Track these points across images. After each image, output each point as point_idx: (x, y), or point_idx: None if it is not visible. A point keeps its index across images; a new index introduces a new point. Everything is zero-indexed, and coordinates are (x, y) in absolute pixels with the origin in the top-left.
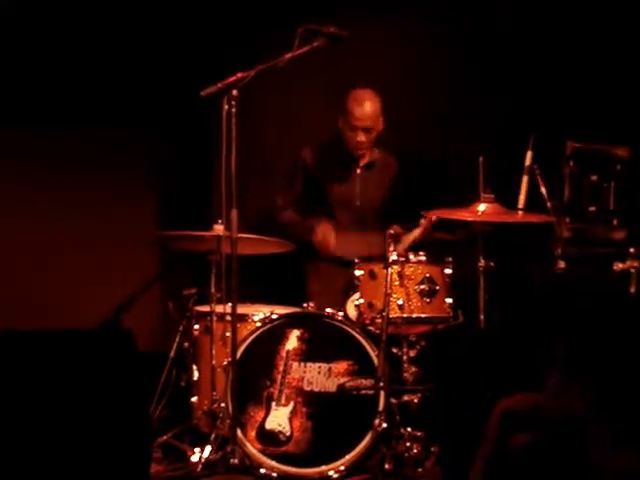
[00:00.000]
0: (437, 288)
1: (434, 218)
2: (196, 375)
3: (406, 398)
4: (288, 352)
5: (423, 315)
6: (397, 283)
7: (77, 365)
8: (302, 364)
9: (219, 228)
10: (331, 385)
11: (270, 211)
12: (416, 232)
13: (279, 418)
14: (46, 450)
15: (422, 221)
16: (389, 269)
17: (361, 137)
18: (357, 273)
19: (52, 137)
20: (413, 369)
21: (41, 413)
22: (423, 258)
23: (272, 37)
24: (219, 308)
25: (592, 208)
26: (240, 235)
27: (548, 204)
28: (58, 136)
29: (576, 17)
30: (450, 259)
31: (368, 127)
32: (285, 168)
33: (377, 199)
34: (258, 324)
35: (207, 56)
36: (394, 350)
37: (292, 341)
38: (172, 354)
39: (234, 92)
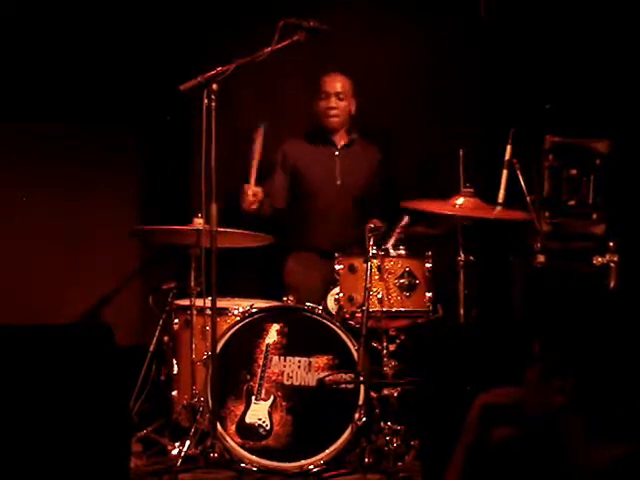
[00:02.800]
0: (417, 282)
1: (406, 220)
2: (176, 369)
3: (386, 392)
4: (268, 346)
5: (403, 309)
6: (377, 277)
7: (56, 359)
8: (282, 358)
9: (199, 222)
10: (311, 379)
11: None
12: (395, 236)
13: (259, 412)
14: (25, 444)
15: (398, 226)
16: (369, 263)
17: (332, 102)
18: (337, 267)
19: (31, 134)
20: (393, 363)
21: (20, 408)
22: (403, 252)
23: (253, 30)
24: (199, 302)
25: (571, 202)
26: (219, 229)
27: (527, 198)
28: (37, 133)
29: (556, 11)
30: (430, 253)
31: (339, 92)
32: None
33: (358, 179)
34: (238, 318)
35: (185, 50)
36: (374, 344)
37: (272, 335)
38: (152, 348)
39: (214, 86)
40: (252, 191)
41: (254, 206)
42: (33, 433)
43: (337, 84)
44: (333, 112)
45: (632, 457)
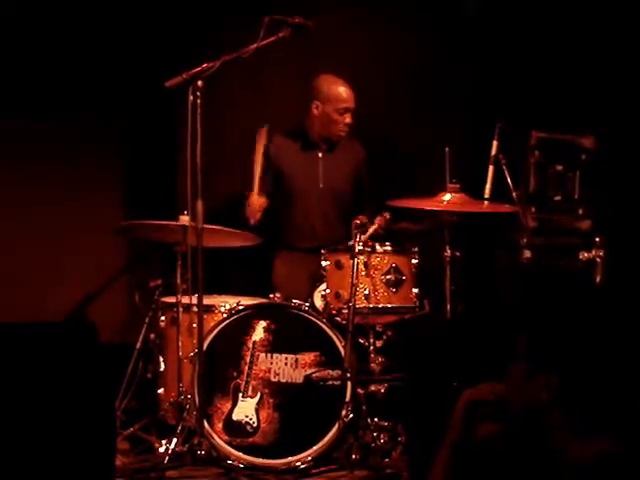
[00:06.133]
0: (403, 278)
1: (388, 216)
2: (163, 367)
3: (373, 388)
4: (255, 343)
5: (389, 305)
6: (363, 273)
7: (40, 357)
8: (269, 355)
9: (185, 219)
10: (298, 376)
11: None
12: (371, 229)
13: (246, 409)
14: (9, 443)
15: (378, 218)
16: (355, 259)
17: (348, 119)
18: (323, 263)
19: (15, 128)
20: (380, 359)
21: (3, 406)
22: (389, 248)
23: (239, 26)
24: (185, 299)
25: (557, 198)
26: (206, 226)
27: (514, 194)
28: (22, 127)
29: (541, 6)
30: (416, 249)
31: (352, 108)
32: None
33: (341, 182)
34: (224, 315)
35: (171, 46)
36: (361, 340)
37: (259, 332)
38: (138, 346)
39: (199, 83)
40: (257, 201)
41: (258, 217)
42: (17, 431)
43: (352, 98)
44: (347, 128)
45: (616, 453)
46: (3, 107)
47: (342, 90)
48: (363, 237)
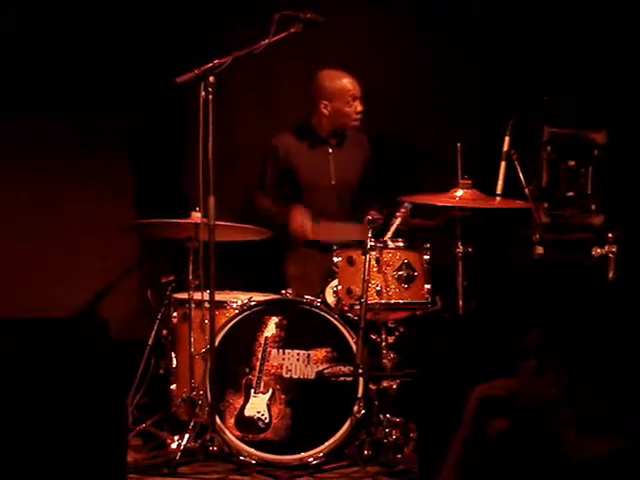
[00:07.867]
0: (415, 274)
1: (409, 206)
2: (175, 363)
3: (385, 384)
4: (267, 339)
5: (401, 301)
6: (375, 269)
7: (52, 353)
8: (281, 351)
9: (197, 215)
10: (310, 372)
11: (247, 201)
12: (396, 222)
13: (258, 405)
14: (20, 439)
15: (400, 211)
16: (367, 255)
17: (359, 107)
18: (335, 259)
19: (27, 126)
20: (392, 355)
21: (15, 402)
22: (401, 244)
23: (248, 22)
24: (197, 295)
25: (570, 193)
26: (217, 222)
27: (526, 190)
28: (34, 125)
29: (552, 2)
30: (428, 245)
31: (360, 95)
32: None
33: (352, 176)
34: (236, 311)
35: (182, 42)
36: (373, 336)
37: (271, 328)
38: (151, 342)
39: (211, 79)
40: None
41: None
42: (29, 428)
43: (357, 85)
44: (360, 115)
45: (626, 450)
46: (24, 106)
47: (346, 82)
48: (388, 234)
